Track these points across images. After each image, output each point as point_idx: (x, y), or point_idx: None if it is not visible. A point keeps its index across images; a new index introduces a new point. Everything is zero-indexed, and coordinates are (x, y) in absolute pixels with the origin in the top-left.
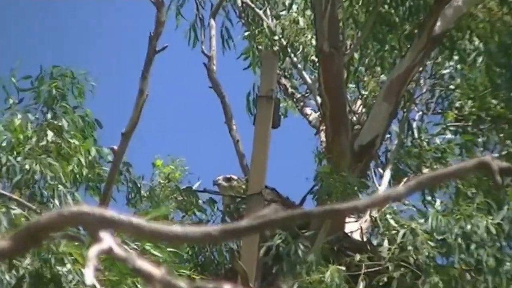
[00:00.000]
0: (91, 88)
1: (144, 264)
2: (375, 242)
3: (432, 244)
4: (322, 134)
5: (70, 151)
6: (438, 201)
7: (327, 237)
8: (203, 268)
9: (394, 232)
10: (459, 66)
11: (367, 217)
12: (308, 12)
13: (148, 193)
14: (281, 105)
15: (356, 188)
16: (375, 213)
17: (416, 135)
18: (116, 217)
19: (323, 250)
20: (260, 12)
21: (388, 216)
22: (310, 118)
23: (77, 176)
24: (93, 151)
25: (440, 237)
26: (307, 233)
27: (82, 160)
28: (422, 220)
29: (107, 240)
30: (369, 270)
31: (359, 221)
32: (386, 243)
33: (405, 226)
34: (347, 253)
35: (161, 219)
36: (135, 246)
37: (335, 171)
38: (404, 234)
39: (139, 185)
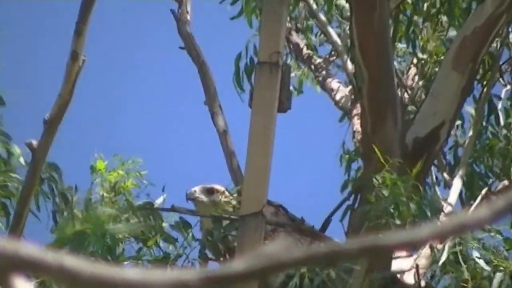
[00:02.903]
0: None
1: None
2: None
3: None
4: (356, 121)
5: None
6: None
7: (366, 278)
8: None
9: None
10: None
11: (425, 250)
12: None
13: (85, 211)
14: (292, 75)
15: (413, 206)
16: (438, 245)
17: (502, 121)
18: (38, 255)
19: None
20: None
21: (475, 254)
22: (337, 96)
23: None
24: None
25: None
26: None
27: None
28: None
29: None
30: None
31: (413, 256)
32: None
33: (502, 267)
34: None
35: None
36: None
37: (407, 180)
38: (501, 282)
39: (70, 199)
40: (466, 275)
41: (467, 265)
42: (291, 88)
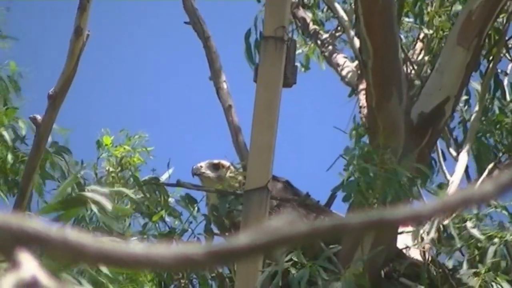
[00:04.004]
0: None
1: None
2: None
3: None
4: (362, 96)
5: None
6: None
7: (370, 255)
8: None
9: (478, 247)
10: None
11: (432, 224)
12: None
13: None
14: (298, 51)
15: (414, 182)
16: (445, 220)
17: (508, 96)
18: (42, 230)
19: (357, 277)
20: None
21: (468, 224)
22: (343, 72)
23: None
24: (21, 125)
25: None
26: (337, 249)
27: (7, 137)
28: None
29: (29, 265)
30: None
31: (419, 231)
32: (465, 265)
33: (497, 238)
34: (400, 281)
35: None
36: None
37: (380, 152)
38: (495, 252)
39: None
40: (459, 244)
41: (461, 236)
42: (297, 64)
